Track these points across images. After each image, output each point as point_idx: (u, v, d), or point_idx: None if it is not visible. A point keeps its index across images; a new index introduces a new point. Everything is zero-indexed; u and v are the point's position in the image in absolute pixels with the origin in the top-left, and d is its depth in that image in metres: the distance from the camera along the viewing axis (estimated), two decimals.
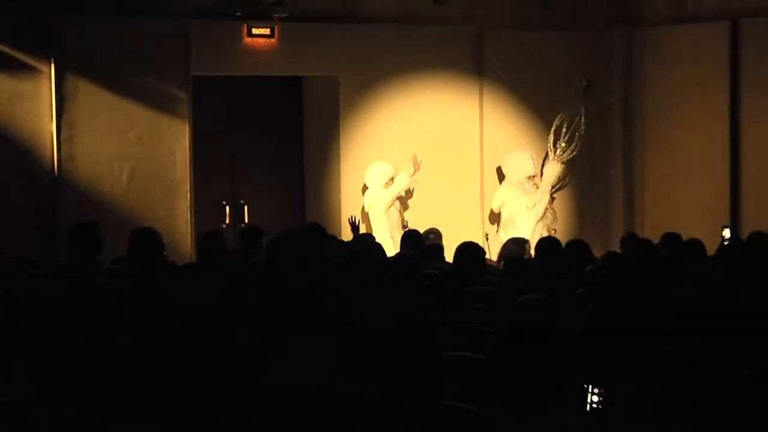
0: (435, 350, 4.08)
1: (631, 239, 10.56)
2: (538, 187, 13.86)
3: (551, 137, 13.87)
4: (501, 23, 14.27)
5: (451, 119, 14.00)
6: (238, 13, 12.84)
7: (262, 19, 12.94)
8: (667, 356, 5.34)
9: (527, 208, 13.73)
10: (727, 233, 12.05)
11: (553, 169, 13.90)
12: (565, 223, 14.33)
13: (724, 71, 13.68)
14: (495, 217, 14.09)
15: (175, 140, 12.46)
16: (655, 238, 9.97)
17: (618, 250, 10.56)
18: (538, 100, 14.32)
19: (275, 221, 12.72)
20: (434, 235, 10.75)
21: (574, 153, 13.86)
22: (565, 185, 14.13)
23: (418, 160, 13.25)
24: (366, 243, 8.17)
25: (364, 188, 13.49)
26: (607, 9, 14.77)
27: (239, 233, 10.30)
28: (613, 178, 14.74)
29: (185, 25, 12.53)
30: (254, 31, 12.93)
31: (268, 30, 12.98)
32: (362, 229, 12.05)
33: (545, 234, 13.31)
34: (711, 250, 9.30)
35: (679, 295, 7.52)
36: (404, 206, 13.64)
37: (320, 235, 9.35)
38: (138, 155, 12.28)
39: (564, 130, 13.81)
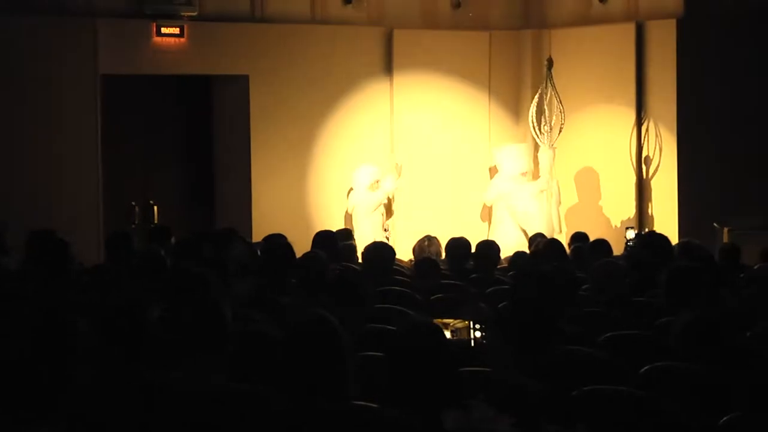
0: (341, 350, 4.09)
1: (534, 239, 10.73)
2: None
3: (533, 125, 13.84)
4: (411, 23, 14.35)
5: (362, 118, 14.04)
6: (148, 12, 12.76)
7: (171, 18, 12.87)
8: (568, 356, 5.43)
9: (532, 198, 13.74)
10: (630, 234, 12.23)
11: (547, 155, 13.83)
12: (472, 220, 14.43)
13: (630, 72, 13.90)
14: (486, 213, 14.16)
15: (84, 140, 12.34)
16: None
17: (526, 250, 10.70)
18: (448, 100, 14.43)
19: (185, 221, 12.65)
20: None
21: (560, 132, 13.80)
22: None
23: (400, 165, 13.53)
24: (272, 242, 8.15)
25: (350, 190, 13.63)
26: (515, 10, 14.90)
27: (147, 234, 10.23)
28: None
29: (94, 24, 12.42)
30: (163, 30, 12.85)
31: (178, 29, 12.92)
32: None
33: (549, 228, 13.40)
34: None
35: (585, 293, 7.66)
36: (388, 211, 13.78)
37: (229, 235, 9.31)
38: (46, 154, 12.15)
39: (543, 114, 13.78)
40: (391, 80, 14.19)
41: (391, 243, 12.39)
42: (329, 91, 13.85)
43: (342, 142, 13.90)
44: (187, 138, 14.01)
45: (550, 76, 13.78)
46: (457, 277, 8.92)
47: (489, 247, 9.49)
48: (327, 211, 13.68)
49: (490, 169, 14.46)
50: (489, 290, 8.28)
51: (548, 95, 13.77)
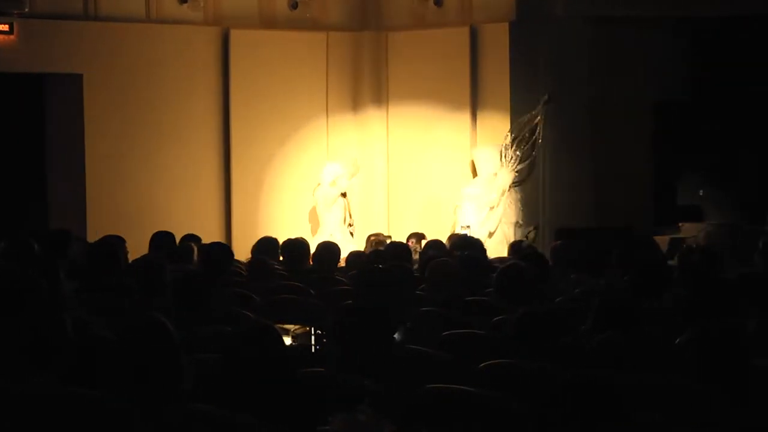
0: (175, 353, 4.07)
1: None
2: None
3: (507, 145, 13.85)
4: (248, 24, 14.29)
5: (196, 118, 13.93)
6: None
7: (0, 15, 12.57)
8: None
9: (490, 208, 13.78)
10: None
11: (505, 177, 13.89)
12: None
13: (464, 73, 14.12)
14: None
15: None
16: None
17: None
18: (286, 101, 14.41)
19: (18, 223, 12.33)
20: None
21: (525, 163, 13.88)
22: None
23: (359, 164, 13.63)
24: (105, 243, 8.02)
25: (317, 186, 13.97)
26: (353, 12, 14.97)
27: None
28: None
29: None
30: None
31: (7, 26, 12.61)
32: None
33: (517, 229, 13.53)
34: None
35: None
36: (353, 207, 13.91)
37: (64, 237, 9.13)
38: None
39: (520, 138, 13.81)
40: (227, 80, 14.11)
41: (353, 238, 12.49)
42: (164, 91, 13.71)
43: (176, 142, 13.77)
44: (19, 137, 13.67)
45: (544, 112, 13.80)
46: (296, 277, 8.91)
47: (327, 248, 9.51)
48: (166, 210, 13.50)
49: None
50: (328, 290, 8.29)
51: (536, 130, 13.81)
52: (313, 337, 4.98)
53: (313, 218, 14.28)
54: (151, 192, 13.65)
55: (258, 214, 14.07)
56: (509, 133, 13.83)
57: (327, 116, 14.73)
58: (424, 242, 10.52)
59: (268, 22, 14.48)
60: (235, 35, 14.13)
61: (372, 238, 11.62)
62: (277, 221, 13.80)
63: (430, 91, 14.40)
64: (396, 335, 5.58)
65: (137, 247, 9.20)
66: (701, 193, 13.84)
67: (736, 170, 13.84)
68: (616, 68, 13.94)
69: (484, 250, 10.34)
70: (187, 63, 13.87)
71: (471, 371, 5.28)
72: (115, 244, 7.87)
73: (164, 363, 4.04)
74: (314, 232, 13.98)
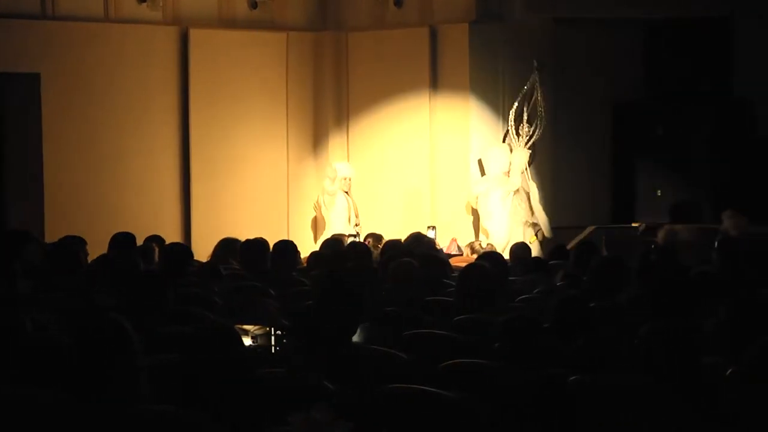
0: (132, 353, 4.05)
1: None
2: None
3: (512, 125, 13.73)
4: (207, 23, 14.25)
5: (154, 117, 13.87)
6: None
7: None
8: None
9: (501, 200, 13.67)
10: (431, 234, 12.40)
11: (521, 156, 13.75)
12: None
13: (424, 74, 14.16)
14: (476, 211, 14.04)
15: None
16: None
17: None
18: (246, 100, 14.37)
19: None
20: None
21: (538, 135, 13.73)
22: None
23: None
24: (65, 243, 7.99)
25: None
26: (313, 12, 14.95)
27: None
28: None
29: None
30: None
31: None
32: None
33: (526, 229, 13.46)
34: None
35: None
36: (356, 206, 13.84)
37: (20, 238, 9.07)
38: None
39: (524, 114, 13.67)
40: (187, 80, 14.05)
41: (360, 238, 12.48)
42: (123, 91, 13.63)
43: (135, 141, 13.71)
44: None
45: (539, 78, 13.68)
46: (254, 277, 8.88)
47: (284, 248, 9.47)
48: (126, 211, 13.42)
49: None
50: (288, 291, 8.28)
51: (534, 97, 13.72)
52: (273, 338, 4.97)
53: (297, 218, 14.31)
54: (110, 192, 13.58)
55: (218, 214, 14.01)
56: (513, 111, 13.75)
57: (287, 116, 14.69)
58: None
59: (228, 21, 14.44)
60: (195, 35, 14.08)
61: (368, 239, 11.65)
62: (239, 222, 13.75)
63: (390, 91, 14.40)
64: (356, 336, 5.58)
65: (96, 248, 9.16)
66: (659, 194, 13.94)
67: (691, 170, 13.95)
68: (574, 69, 14.03)
69: (440, 250, 10.39)
70: (146, 63, 13.80)
71: (432, 371, 5.30)
72: (75, 245, 7.83)
73: (121, 363, 4.02)
74: (319, 231, 14.00)
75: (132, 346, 4.06)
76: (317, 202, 14.00)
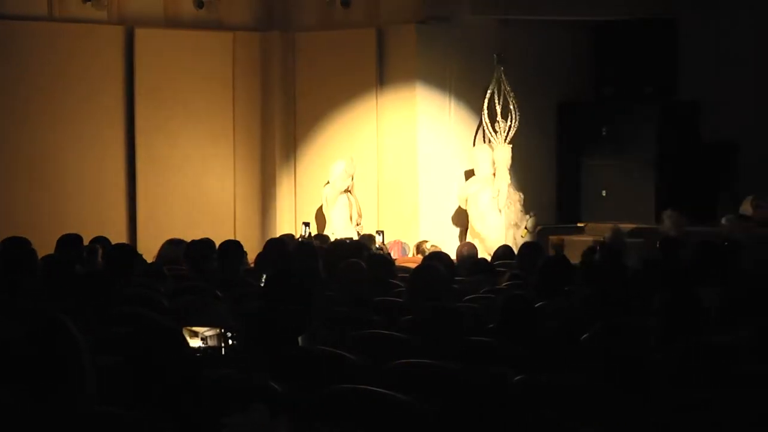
0: (79, 353, 4.03)
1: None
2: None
3: (487, 123, 13.64)
4: (153, 23, 14.17)
5: (99, 118, 13.78)
6: None
7: None
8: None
9: (492, 200, 13.51)
10: (379, 239, 12.39)
11: (503, 152, 13.63)
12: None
13: (371, 74, 14.18)
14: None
15: None
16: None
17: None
18: (192, 100, 14.32)
19: None
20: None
21: (515, 127, 13.62)
22: None
23: (354, 162, 13.51)
24: (10, 245, 7.94)
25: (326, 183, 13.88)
26: (260, 12, 14.92)
27: None
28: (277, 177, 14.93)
29: None
30: None
31: None
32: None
33: (518, 230, 13.32)
34: None
35: None
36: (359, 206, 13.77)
37: None
38: None
39: (495, 111, 13.60)
40: (132, 80, 13.98)
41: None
42: (68, 90, 13.54)
43: (80, 142, 13.62)
44: None
45: (501, 72, 13.65)
46: (200, 278, 8.84)
47: (229, 249, 9.44)
48: (71, 212, 13.32)
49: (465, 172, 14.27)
50: (235, 292, 8.25)
51: (501, 92, 13.66)
52: (222, 339, 4.96)
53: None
54: (55, 193, 13.47)
55: (165, 215, 13.95)
56: (485, 109, 13.72)
57: (234, 116, 14.65)
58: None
59: (174, 21, 14.37)
60: (140, 34, 14.01)
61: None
62: (185, 222, 13.68)
63: (337, 92, 14.41)
64: (304, 336, 5.58)
65: (42, 250, 9.08)
66: (603, 194, 14.06)
67: (636, 171, 14.07)
68: (521, 69, 14.11)
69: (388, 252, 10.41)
70: (92, 62, 13.70)
71: (379, 371, 5.31)
72: (22, 245, 7.77)
73: (67, 364, 4.00)
74: (320, 230, 13.90)
75: (77, 347, 4.04)
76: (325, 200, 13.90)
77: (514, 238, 13.25)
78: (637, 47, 14.31)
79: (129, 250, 9.10)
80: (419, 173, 13.99)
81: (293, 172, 14.86)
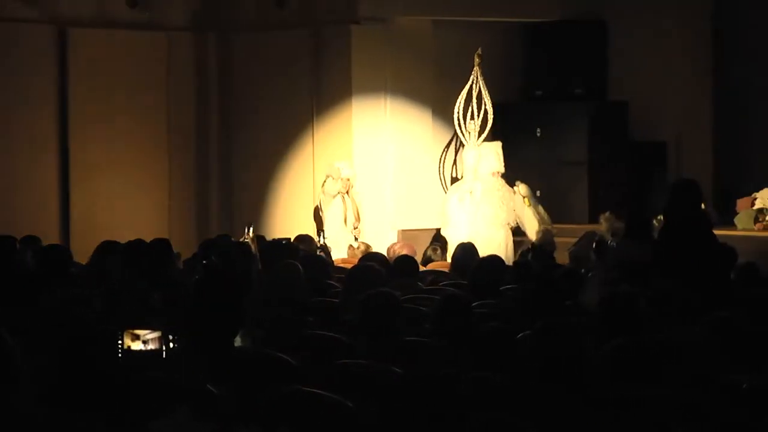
0: (9, 355, 4.03)
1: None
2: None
3: (459, 122, 13.22)
4: (86, 22, 14.05)
5: (31, 118, 13.67)
6: None
7: None
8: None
9: (459, 203, 13.06)
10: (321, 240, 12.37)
11: (473, 154, 13.19)
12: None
13: (305, 75, 14.19)
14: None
15: None
16: None
17: None
18: (126, 100, 14.22)
19: None
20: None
21: (489, 128, 13.22)
22: None
23: (340, 166, 13.07)
24: None
25: None
26: (195, 12, 14.85)
27: None
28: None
29: None
30: None
31: None
32: None
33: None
34: None
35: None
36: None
37: None
38: None
39: (469, 110, 13.16)
40: (65, 80, 13.86)
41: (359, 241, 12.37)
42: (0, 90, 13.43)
43: (12, 142, 13.51)
44: None
45: (479, 71, 13.32)
46: (134, 279, 8.78)
47: (163, 248, 9.40)
48: (6, 212, 13.18)
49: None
50: (168, 292, 8.19)
51: (476, 90, 13.31)
52: (161, 341, 4.96)
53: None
54: None
55: (99, 216, 13.84)
56: (458, 106, 13.31)
57: (168, 118, 14.58)
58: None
59: (108, 21, 14.24)
60: (74, 34, 13.89)
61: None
62: (119, 223, 13.57)
63: (273, 92, 14.38)
64: (240, 338, 5.59)
65: None
66: (538, 194, 14.16)
67: (569, 172, 14.20)
68: (455, 70, 14.20)
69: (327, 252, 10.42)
70: (24, 62, 13.57)
71: (315, 372, 5.34)
72: None
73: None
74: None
75: (6, 349, 4.04)
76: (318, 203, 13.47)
77: (506, 241, 12.94)
78: (567, 49, 14.45)
79: (62, 250, 9.05)
80: (356, 171, 13.96)
81: (230, 173, 14.82)
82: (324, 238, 11.65)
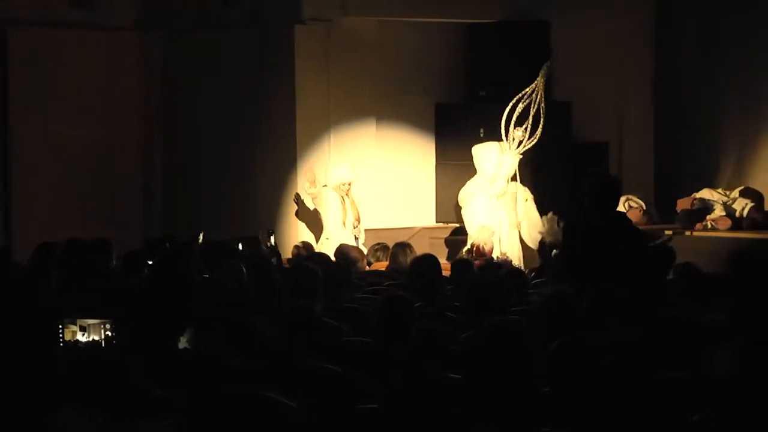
0: None
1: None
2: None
3: (504, 127, 13.06)
4: (27, 22, 13.93)
5: None
6: None
7: None
8: None
9: (487, 205, 13.03)
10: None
11: (511, 161, 13.05)
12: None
13: (252, 75, 14.18)
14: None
15: None
16: None
17: None
18: (70, 102, 14.13)
19: None
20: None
21: (534, 140, 13.06)
22: None
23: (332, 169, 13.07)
24: None
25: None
26: (138, 12, 14.78)
27: None
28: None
29: None
30: None
31: None
32: None
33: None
34: None
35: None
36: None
37: None
38: None
39: (518, 118, 13.03)
40: (6, 82, 13.73)
41: (358, 242, 12.43)
42: None
43: None
44: None
45: (542, 82, 13.22)
46: (78, 278, 8.75)
47: (103, 247, 9.40)
48: None
49: None
50: (109, 291, 8.17)
51: (536, 102, 13.17)
52: (102, 331, 4.97)
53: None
54: None
55: (41, 216, 13.73)
56: (507, 111, 13.13)
57: (112, 118, 14.49)
58: None
59: (49, 21, 14.11)
60: (13, 34, 13.77)
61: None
62: (62, 222, 13.47)
63: (218, 92, 14.34)
64: (184, 339, 5.60)
65: None
66: None
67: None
68: (399, 70, 14.26)
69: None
70: None
71: (261, 374, 5.36)
72: None
73: None
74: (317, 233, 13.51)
75: None
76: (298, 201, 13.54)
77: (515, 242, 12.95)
78: (510, 49, 14.52)
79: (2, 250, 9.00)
80: (298, 172, 13.98)
81: (175, 174, 14.76)
82: (272, 236, 11.76)
